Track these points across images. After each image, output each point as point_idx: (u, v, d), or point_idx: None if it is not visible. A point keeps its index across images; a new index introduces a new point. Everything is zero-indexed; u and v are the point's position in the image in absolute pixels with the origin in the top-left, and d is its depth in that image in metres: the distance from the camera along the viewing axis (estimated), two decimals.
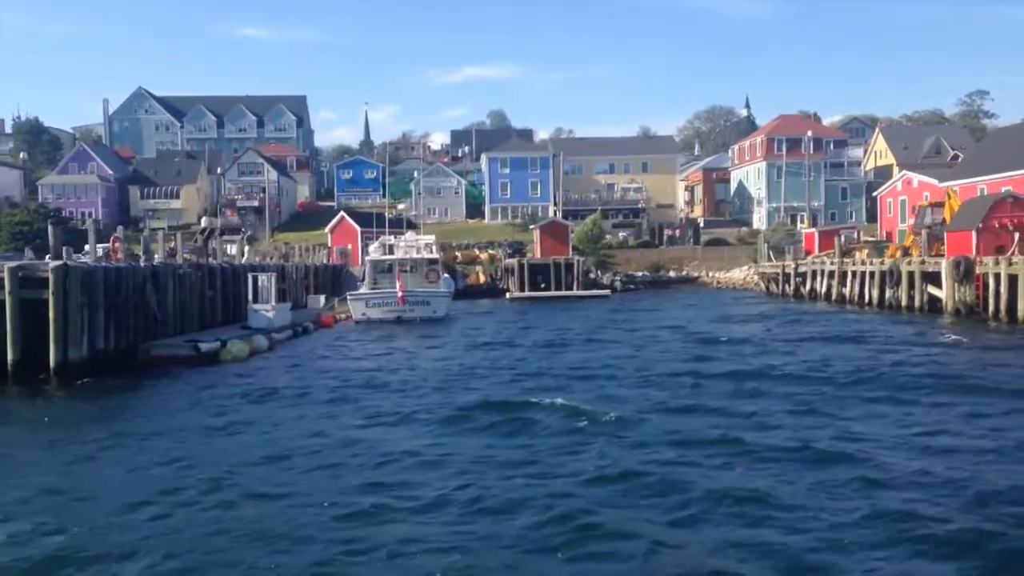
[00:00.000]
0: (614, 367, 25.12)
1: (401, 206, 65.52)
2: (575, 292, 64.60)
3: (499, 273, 74.12)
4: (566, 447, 14.92)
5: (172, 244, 35.24)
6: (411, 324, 41.69)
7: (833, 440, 14.90)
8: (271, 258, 51.39)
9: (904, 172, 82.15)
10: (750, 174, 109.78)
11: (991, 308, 36.11)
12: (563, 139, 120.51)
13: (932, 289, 40.69)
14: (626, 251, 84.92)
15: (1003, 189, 67.31)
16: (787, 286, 59.41)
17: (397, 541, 10.20)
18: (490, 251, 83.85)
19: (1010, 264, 34.98)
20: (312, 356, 29.58)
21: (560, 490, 12.11)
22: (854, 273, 49.22)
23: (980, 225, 38.72)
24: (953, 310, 38.24)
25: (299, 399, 20.68)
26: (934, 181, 74.19)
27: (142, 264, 28.43)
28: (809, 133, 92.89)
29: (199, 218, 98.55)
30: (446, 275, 52.76)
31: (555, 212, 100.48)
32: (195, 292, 31.73)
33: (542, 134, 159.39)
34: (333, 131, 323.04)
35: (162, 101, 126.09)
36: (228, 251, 79.00)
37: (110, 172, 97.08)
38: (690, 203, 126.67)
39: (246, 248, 67.53)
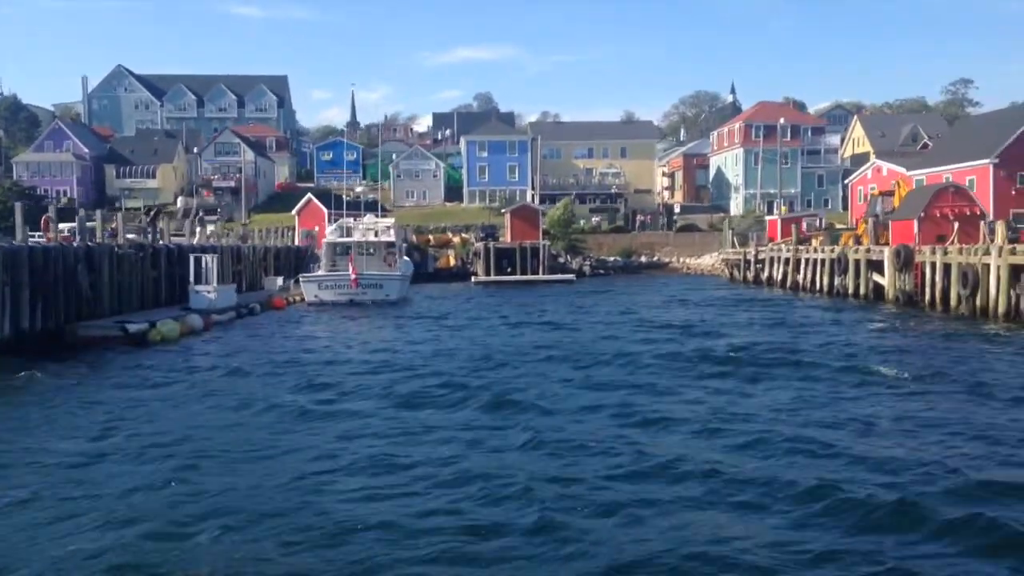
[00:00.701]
0: (545, 348, 26.01)
1: (359, 188, 65.56)
2: (540, 276, 65.01)
3: (470, 257, 74.52)
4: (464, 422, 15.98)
5: (114, 224, 35.39)
6: (364, 306, 42.15)
7: (692, 407, 17.08)
8: (224, 239, 51.48)
9: (874, 160, 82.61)
10: (728, 160, 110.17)
11: (927, 297, 36.68)
12: (542, 123, 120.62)
13: (876, 277, 41.22)
14: (599, 236, 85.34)
15: (967, 179, 67.99)
16: (748, 272, 59.95)
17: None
18: (463, 235, 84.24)
19: (945, 253, 35.48)
20: (247, 337, 29.93)
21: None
22: (807, 260, 49.74)
23: (922, 214, 39.17)
24: (894, 298, 38.81)
25: (212, 380, 20.99)
26: (903, 170, 74.66)
27: (75, 244, 28.68)
28: (782, 120, 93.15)
29: (175, 198, 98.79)
30: (406, 258, 53.10)
31: (532, 196, 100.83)
32: (135, 273, 31.98)
33: (531, 117, 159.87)
34: (327, 111, 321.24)
35: (142, 79, 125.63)
36: (207, 231, 79.62)
37: (86, 151, 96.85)
38: (671, 188, 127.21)
39: (198, 229, 67.84)
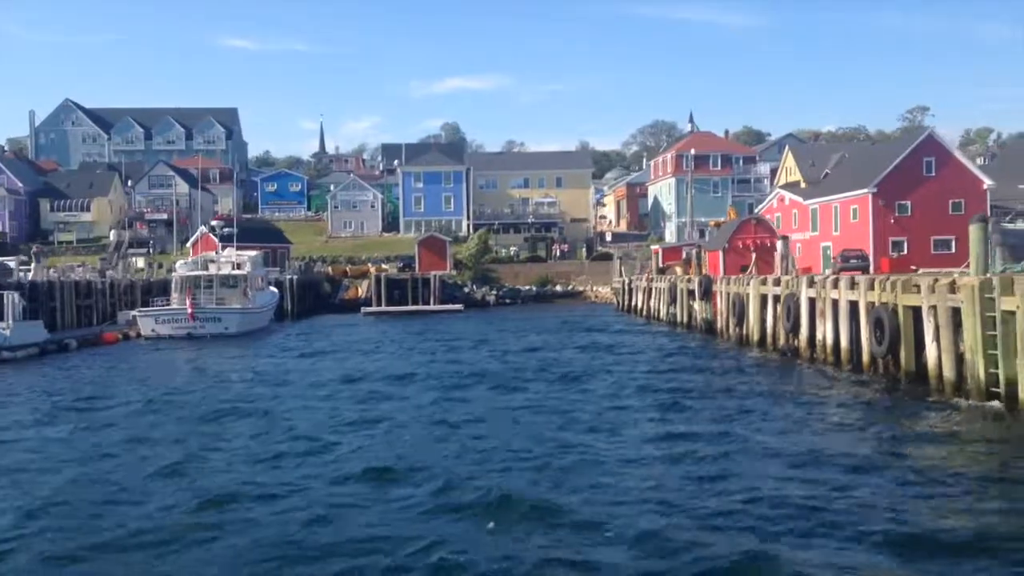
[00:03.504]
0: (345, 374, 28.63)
1: (214, 222, 66.94)
2: (431, 307, 66.16)
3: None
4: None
5: None
6: (201, 340, 43.07)
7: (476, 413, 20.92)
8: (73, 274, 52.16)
9: (777, 190, 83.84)
10: (663, 189, 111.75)
11: (719, 324, 37.82)
12: (478, 154, 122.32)
13: (695, 305, 42.39)
14: (515, 265, 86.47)
15: (851, 208, 69.32)
16: (627, 300, 61.11)
17: None
18: (383, 265, 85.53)
19: (729, 283, 36.64)
20: (29, 374, 30.83)
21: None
22: (658, 290, 50.90)
23: (726, 245, 40.38)
24: (699, 325, 39.97)
25: None
26: (800, 199, 76.01)
27: None
28: (693, 151, 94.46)
29: (110, 231, 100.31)
30: (273, 289, 54.25)
31: (468, 226, 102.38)
32: None
33: (496, 148, 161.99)
34: (312, 141, 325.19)
35: (90, 113, 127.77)
36: (137, 264, 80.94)
37: (21, 185, 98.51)
38: (617, 217, 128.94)
39: (120, 263, 69.05)
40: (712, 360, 30.02)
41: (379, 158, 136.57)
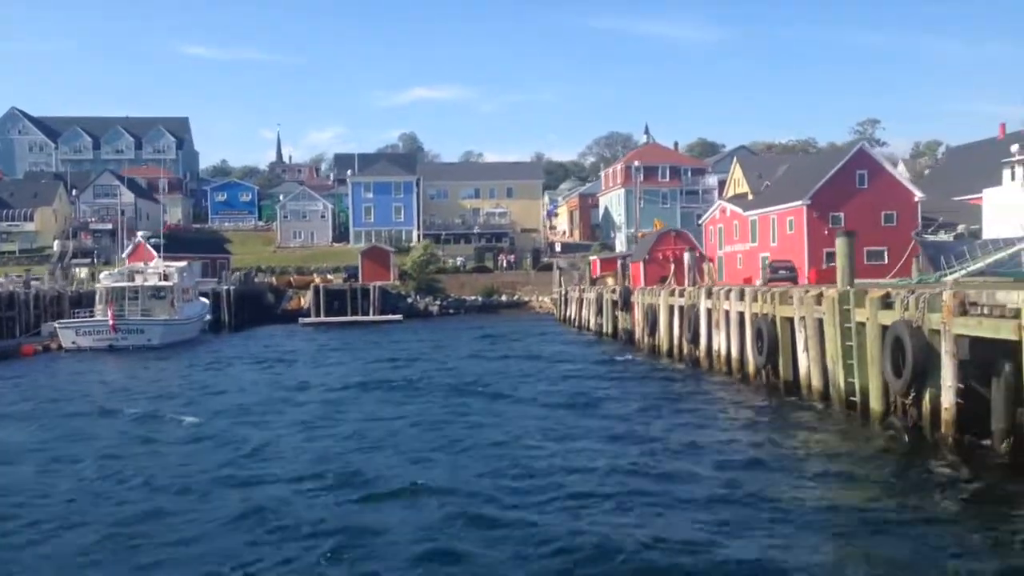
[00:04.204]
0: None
1: (140, 234, 66.65)
2: (370, 317, 66.04)
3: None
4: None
5: None
6: (123, 352, 42.61)
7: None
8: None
9: (719, 202, 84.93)
10: (612, 200, 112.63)
11: (636, 335, 38.21)
12: (429, 164, 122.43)
13: (620, 315, 42.79)
14: (461, 276, 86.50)
15: (788, 219, 70.32)
16: (563, 310, 61.45)
17: None
18: (329, 276, 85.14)
19: (644, 294, 37.06)
20: None
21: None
22: (587, 300, 51.27)
23: (647, 256, 40.86)
24: (620, 335, 40.34)
25: None
26: (740, 210, 76.99)
27: None
28: (636, 163, 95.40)
29: (55, 241, 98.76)
30: (204, 300, 53.88)
31: (418, 236, 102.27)
32: None
33: (452, 158, 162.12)
34: (272, 151, 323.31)
35: (37, 122, 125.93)
36: (80, 275, 79.73)
37: None
38: (570, 227, 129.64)
39: (59, 272, 67.99)
40: (617, 369, 30.38)
41: (332, 168, 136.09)
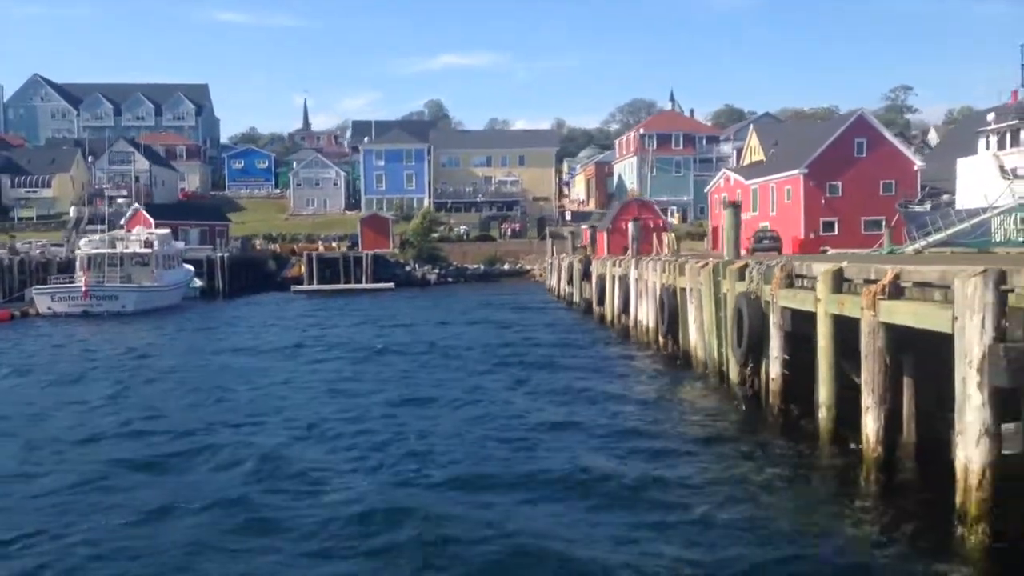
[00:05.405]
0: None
1: (121, 199, 67.63)
2: (363, 285, 66.54)
3: None
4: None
5: None
6: (99, 318, 43.43)
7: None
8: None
9: (724, 171, 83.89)
10: (626, 168, 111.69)
11: (594, 304, 38.19)
12: (441, 131, 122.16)
13: (583, 285, 42.74)
14: (464, 244, 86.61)
15: (785, 188, 69.35)
16: (548, 280, 61.45)
17: None
18: (333, 243, 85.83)
19: (600, 265, 36.94)
20: None
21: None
22: (562, 270, 51.22)
23: (610, 226, 40.66)
24: (581, 305, 40.34)
25: None
26: (743, 179, 76.04)
27: None
28: (641, 131, 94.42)
29: (71, 207, 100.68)
30: (188, 267, 54.72)
31: (429, 204, 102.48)
32: None
33: (478, 126, 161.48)
34: (315, 117, 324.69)
35: (59, 88, 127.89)
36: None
37: None
38: (587, 195, 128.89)
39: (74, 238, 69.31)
40: (561, 338, 30.58)
41: (350, 136, 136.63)
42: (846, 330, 11.87)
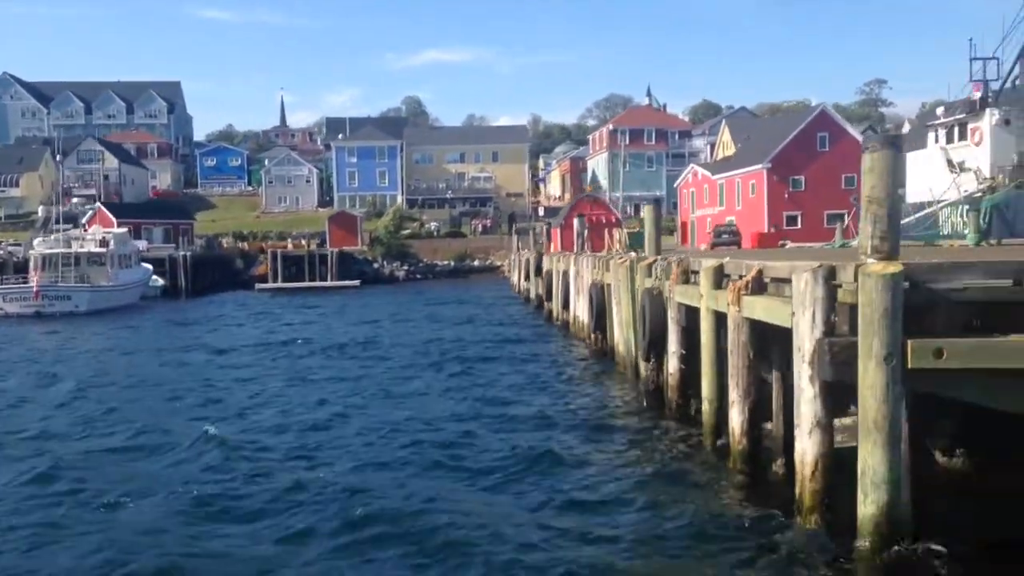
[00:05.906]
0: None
1: (76, 199, 67.16)
2: (328, 283, 66.41)
3: None
4: None
5: None
6: (51, 318, 43.06)
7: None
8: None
9: (692, 166, 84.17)
10: (599, 164, 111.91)
11: (544, 300, 38.31)
12: (414, 128, 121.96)
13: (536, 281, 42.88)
14: (434, 241, 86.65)
15: (750, 183, 69.62)
16: (511, 276, 61.56)
17: None
18: (302, 241, 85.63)
19: (550, 261, 37.05)
20: None
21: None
22: (520, 266, 51.33)
23: (563, 222, 40.75)
24: (533, 301, 40.45)
25: None
26: (709, 174, 76.33)
27: None
28: (611, 127, 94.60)
29: (40, 207, 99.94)
30: (147, 266, 54.46)
31: (402, 201, 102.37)
32: None
33: (456, 122, 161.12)
34: (295, 114, 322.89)
35: (29, 87, 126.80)
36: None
37: None
38: (562, 191, 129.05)
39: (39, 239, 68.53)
40: (506, 333, 30.63)
41: (324, 133, 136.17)
42: (726, 325, 11.98)
